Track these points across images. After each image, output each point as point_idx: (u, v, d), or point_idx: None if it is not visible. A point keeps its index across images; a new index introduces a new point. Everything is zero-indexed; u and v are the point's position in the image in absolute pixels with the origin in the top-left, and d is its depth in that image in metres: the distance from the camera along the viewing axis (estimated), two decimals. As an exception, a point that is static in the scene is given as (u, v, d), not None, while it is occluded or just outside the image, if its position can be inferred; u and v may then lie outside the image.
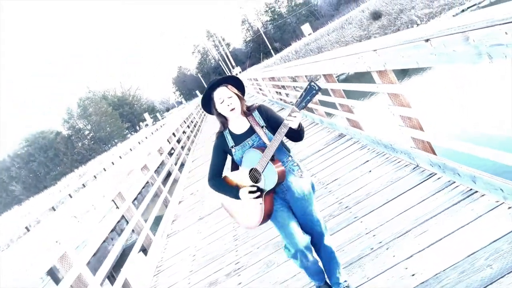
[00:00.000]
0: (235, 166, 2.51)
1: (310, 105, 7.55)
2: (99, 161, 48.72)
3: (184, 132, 14.66)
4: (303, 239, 2.40)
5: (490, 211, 2.64)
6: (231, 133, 2.43)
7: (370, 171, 4.28)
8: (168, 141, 11.57)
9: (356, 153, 4.96)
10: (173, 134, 12.63)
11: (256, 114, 2.42)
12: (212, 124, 19.46)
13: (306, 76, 7.01)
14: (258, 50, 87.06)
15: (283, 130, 2.23)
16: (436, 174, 3.44)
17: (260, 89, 16.62)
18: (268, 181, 2.29)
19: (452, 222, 2.75)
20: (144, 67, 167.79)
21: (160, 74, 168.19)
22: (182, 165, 11.33)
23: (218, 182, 2.48)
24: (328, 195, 4.26)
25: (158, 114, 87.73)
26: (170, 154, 11.17)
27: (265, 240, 4.06)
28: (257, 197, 2.30)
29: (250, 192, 2.31)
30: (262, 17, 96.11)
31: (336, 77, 5.39)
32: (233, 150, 2.40)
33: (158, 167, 9.58)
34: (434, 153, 3.45)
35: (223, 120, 2.43)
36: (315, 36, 44.95)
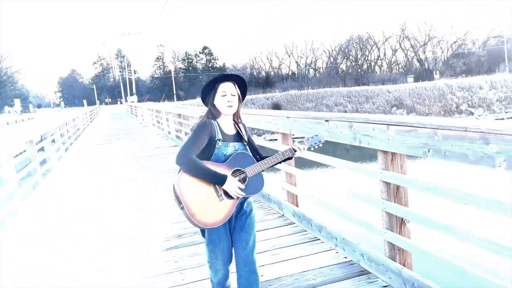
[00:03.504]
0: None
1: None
2: None
3: (67, 130, 14.14)
4: (231, 259, 2.45)
5: (324, 251, 3.73)
6: (219, 128, 2.37)
7: (245, 210, 5.20)
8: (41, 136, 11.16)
9: (237, 196, 5.88)
10: (62, 125, 12.23)
11: (242, 126, 2.47)
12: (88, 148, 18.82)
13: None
14: (161, 90, 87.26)
15: (287, 153, 2.40)
16: (295, 223, 4.50)
17: (158, 122, 17.06)
18: (250, 189, 2.32)
19: (297, 252, 3.75)
20: (36, 51, 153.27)
21: (48, 67, 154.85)
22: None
23: (197, 160, 2.23)
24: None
25: (31, 106, 79.37)
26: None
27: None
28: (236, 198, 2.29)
29: (239, 188, 2.26)
30: (178, 62, 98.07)
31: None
32: (218, 143, 2.32)
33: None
34: (298, 206, 4.55)
35: (216, 113, 2.39)
36: (219, 101, 47.30)
